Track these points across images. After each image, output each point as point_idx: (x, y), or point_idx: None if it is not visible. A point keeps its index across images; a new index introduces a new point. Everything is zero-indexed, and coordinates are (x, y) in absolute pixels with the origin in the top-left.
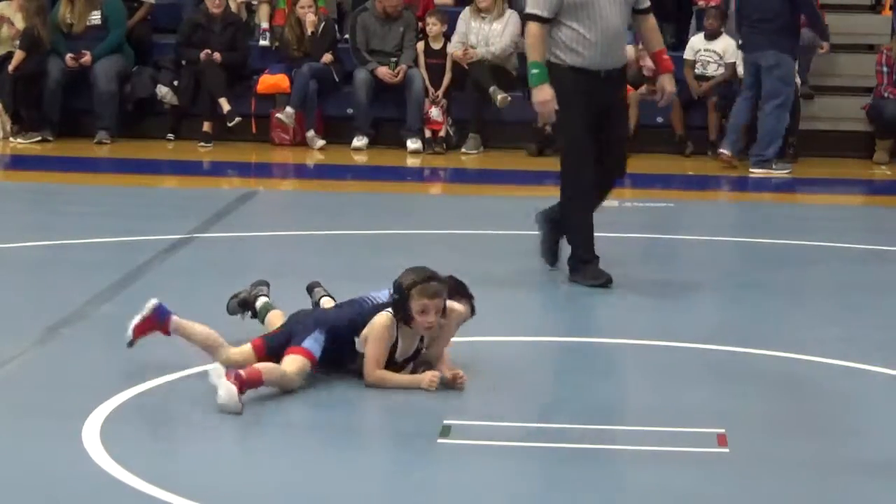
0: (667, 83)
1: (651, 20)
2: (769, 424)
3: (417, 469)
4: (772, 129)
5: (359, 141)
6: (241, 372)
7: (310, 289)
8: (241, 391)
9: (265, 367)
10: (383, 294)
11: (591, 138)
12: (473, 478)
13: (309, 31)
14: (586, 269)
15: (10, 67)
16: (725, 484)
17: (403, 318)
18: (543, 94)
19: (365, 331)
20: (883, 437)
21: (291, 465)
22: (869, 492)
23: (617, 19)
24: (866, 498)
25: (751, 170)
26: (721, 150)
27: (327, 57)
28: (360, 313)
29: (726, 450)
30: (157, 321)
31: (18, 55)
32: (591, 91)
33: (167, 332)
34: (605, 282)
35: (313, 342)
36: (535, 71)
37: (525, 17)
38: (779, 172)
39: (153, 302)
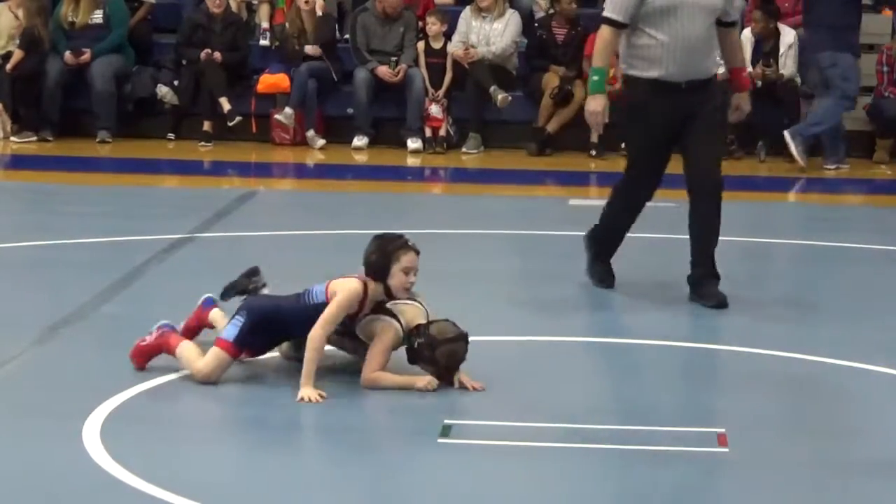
0: (743, 102)
1: (734, 35)
2: (769, 424)
3: (417, 469)
4: (827, 112)
5: (359, 140)
6: (158, 338)
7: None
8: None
9: (184, 347)
10: (320, 288)
11: (658, 156)
12: (473, 478)
13: (319, 13)
14: (597, 267)
15: (9, 67)
16: (725, 484)
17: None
18: (595, 104)
19: (377, 331)
20: (884, 437)
21: (291, 464)
22: (869, 492)
23: (700, 29)
24: (867, 498)
25: (785, 132)
26: (826, 167)
27: (315, 49)
28: (294, 302)
29: (726, 450)
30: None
31: (17, 55)
32: (669, 104)
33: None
34: (607, 285)
35: (232, 327)
36: (594, 77)
37: (600, 21)
38: (797, 156)
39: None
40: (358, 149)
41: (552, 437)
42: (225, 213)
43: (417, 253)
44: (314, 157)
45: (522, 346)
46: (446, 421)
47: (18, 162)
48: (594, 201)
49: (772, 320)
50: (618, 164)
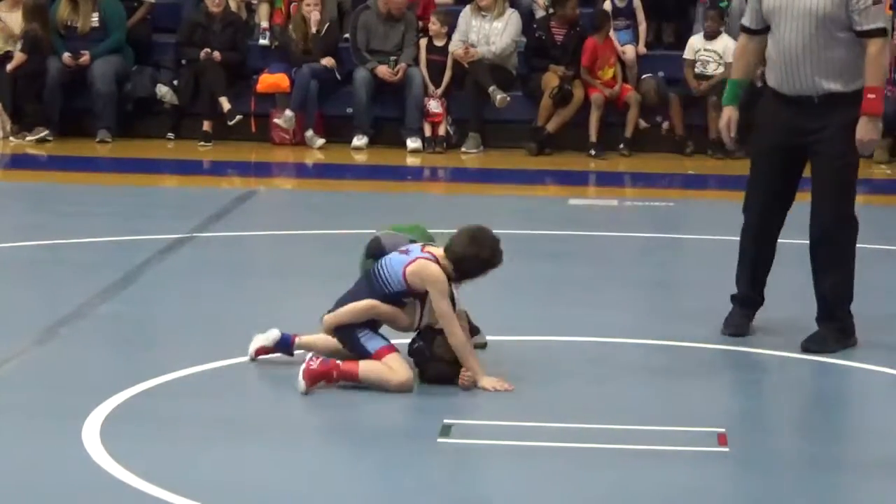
0: (860, 128)
1: (870, 46)
2: (769, 424)
3: (417, 469)
4: None
5: (359, 140)
6: (336, 365)
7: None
8: (314, 382)
9: (366, 367)
10: (396, 276)
11: (771, 168)
12: (473, 478)
13: (313, 29)
14: (733, 310)
15: (10, 68)
16: (726, 483)
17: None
18: (722, 118)
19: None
20: (884, 437)
21: (292, 464)
22: (869, 491)
23: (801, 36)
24: (866, 497)
25: None
26: None
27: (328, 60)
28: (369, 288)
29: (726, 449)
30: (283, 349)
31: (19, 57)
32: (782, 117)
33: (291, 354)
34: (730, 332)
35: (370, 340)
36: (726, 89)
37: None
38: None
39: (275, 334)
40: (357, 148)
41: (552, 437)
42: (225, 212)
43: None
44: (314, 157)
45: (522, 346)
46: (446, 421)
47: (19, 162)
48: (594, 201)
49: (772, 320)
50: (617, 164)
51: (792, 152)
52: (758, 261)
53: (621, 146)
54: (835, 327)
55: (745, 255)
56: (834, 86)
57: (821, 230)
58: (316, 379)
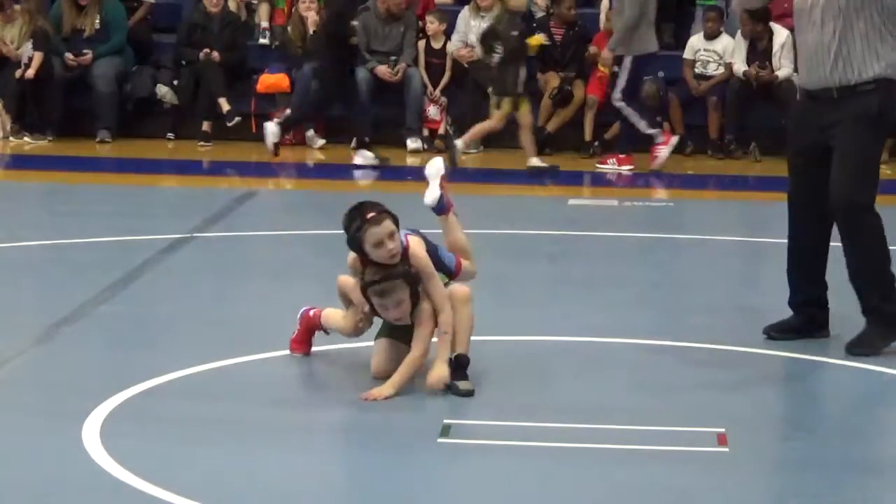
0: None
1: None
2: (769, 424)
3: (417, 469)
4: None
5: None
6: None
7: None
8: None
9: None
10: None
11: (807, 161)
12: (473, 478)
13: (311, 30)
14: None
15: (31, 72)
16: (726, 483)
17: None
18: None
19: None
20: (883, 437)
21: (291, 464)
22: (869, 491)
23: (814, 33)
24: (866, 497)
25: None
26: None
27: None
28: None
29: (726, 449)
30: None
31: (38, 57)
32: (806, 114)
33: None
34: (768, 333)
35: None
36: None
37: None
38: None
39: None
40: None
41: (552, 437)
42: (225, 213)
43: (382, 215)
44: (314, 157)
45: (522, 346)
46: (446, 421)
47: (18, 162)
48: (594, 201)
49: (771, 319)
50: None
51: (817, 152)
52: (802, 272)
53: (595, 145)
54: (877, 321)
55: (789, 255)
56: (851, 77)
57: (837, 206)
58: (305, 342)
